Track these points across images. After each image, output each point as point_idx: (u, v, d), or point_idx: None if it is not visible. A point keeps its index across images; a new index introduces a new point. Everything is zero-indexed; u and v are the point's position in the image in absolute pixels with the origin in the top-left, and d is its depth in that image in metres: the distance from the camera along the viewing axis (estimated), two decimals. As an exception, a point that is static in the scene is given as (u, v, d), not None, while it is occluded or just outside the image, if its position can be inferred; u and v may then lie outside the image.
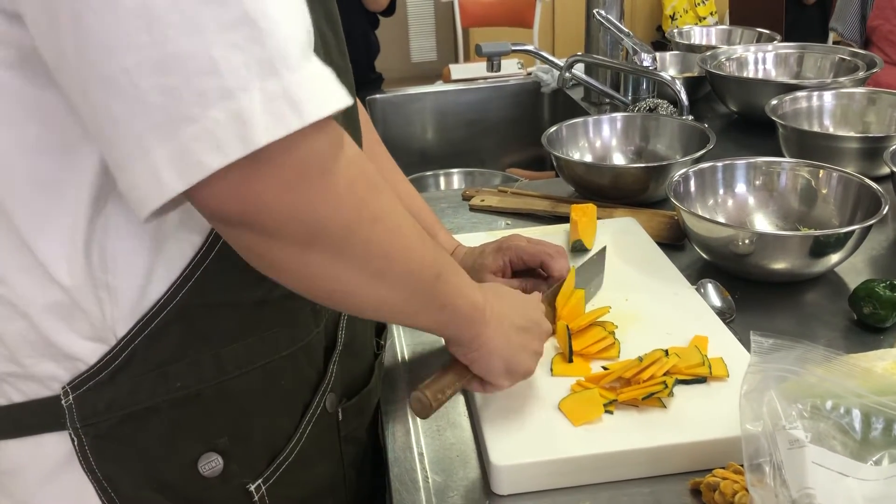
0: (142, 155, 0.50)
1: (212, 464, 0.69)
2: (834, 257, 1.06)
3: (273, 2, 0.50)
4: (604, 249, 1.05)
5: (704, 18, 5.33)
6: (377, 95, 2.12)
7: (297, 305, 0.72)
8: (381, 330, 0.93)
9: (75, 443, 0.65)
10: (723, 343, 0.91)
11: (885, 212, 1.06)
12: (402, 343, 1.01)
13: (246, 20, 0.49)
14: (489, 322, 0.73)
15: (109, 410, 0.65)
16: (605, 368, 0.86)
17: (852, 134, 1.50)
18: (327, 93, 0.52)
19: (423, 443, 0.84)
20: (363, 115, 0.96)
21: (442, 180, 2.02)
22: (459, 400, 0.90)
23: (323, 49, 0.73)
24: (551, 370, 0.87)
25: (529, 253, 0.99)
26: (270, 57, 0.50)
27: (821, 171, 1.19)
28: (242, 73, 0.49)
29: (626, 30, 1.80)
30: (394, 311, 0.67)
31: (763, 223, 1.21)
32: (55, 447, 0.66)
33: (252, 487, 0.72)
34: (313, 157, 0.53)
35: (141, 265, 0.62)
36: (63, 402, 0.65)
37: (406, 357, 0.99)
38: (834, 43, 3.12)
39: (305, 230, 0.55)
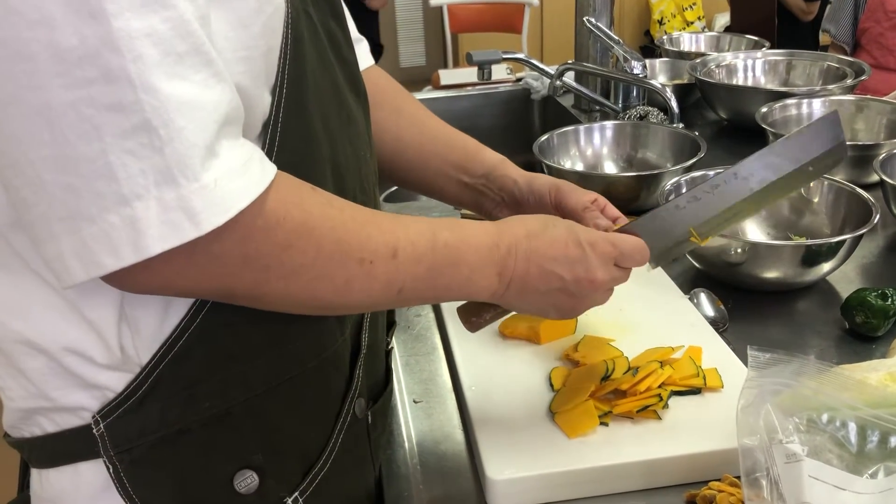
0: (51, 239, 0.53)
1: (247, 480, 0.68)
2: (826, 266, 1.06)
3: (178, 107, 0.51)
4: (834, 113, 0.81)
5: (692, 23, 5.36)
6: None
7: (320, 315, 0.71)
8: (389, 326, 0.93)
9: (111, 470, 0.65)
10: (716, 353, 0.91)
11: (875, 221, 1.06)
12: (397, 356, 1.01)
13: (146, 127, 0.50)
14: (505, 295, 0.72)
15: (141, 436, 0.64)
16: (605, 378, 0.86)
17: (842, 141, 1.50)
18: (230, 196, 0.53)
19: (418, 456, 0.84)
20: (388, 82, 0.96)
21: (433, 187, 2.02)
22: (454, 412, 0.90)
23: (331, 47, 0.72)
24: (551, 385, 0.87)
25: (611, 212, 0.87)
26: (169, 165, 0.51)
27: (812, 180, 1.20)
28: (139, 181, 0.51)
29: (616, 37, 1.80)
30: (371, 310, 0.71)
31: (755, 232, 1.21)
32: (93, 475, 0.65)
33: (289, 501, 0.71)
34: (210, 255, 0.55)
35: None
36: (94, 430, 0.64)
37: (400, 369, 0.98)
38: (823, 45, 3.14)
39: (218, 295, 0.60)
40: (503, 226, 0.72)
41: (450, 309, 0.82)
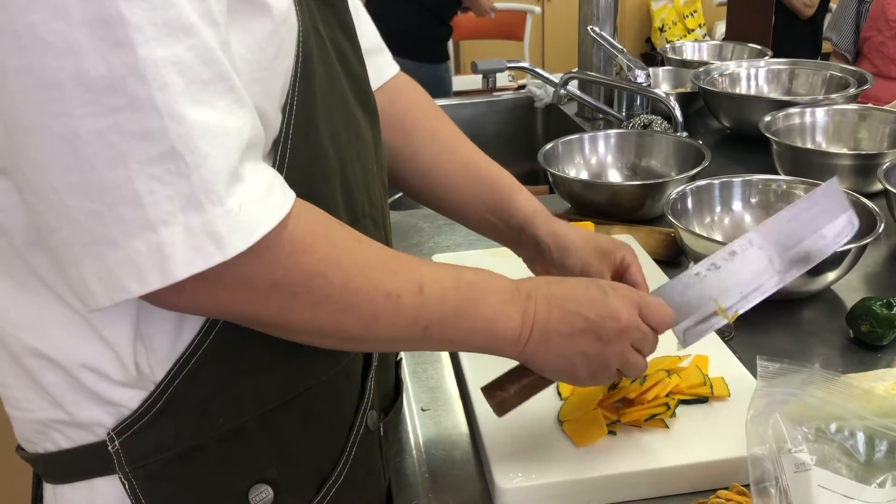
0: (75, 264, 0.53)
1: (262, 494, 0.68)
2: (831, 275, 1.07)
3: (203, 134, 0.51)
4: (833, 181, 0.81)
5: (693, 30, 5.38)
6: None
7: None
8: None
9: (126, 486, 0.65)
10: (723, 362, 0.92)
11: (880, 230, 1.07)
12: (404, 365, 1.01)
13: (172, 154, 0.51)
14: (529, 343, 0.69)
15: (157, 452, 0.65)
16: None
17: (845, 151, 1.51)
18: (255, 220, 0.54)
19: (426, 465, 0.84)
20: (420, 97, 0.94)
21: (436, 195, 2.02)
22: (462, 420, 0.90)
23: (340, 62, 0.73)
24: (559, 393, 0.87)
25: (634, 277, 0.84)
26: (194, 192, 0.51)
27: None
28: (165, 207, 0.51)
29: (620, 46, 1.81)
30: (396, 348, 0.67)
31: (759, 240, 1.22)
32: (108, 491, 0.65)
33: None
34: (238, 278, 0.56)
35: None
36: (109, 447, 0.64)
37: (408, 378, 0.99)
38: (824, 54, 3.14)
39: (244, 320, 0.61)
40: (520, 279, 0.72)
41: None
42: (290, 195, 0.58)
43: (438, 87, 3.36)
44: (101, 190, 0.51)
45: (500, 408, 0.75)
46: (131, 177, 0.50)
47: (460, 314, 0.66)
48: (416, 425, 0.90)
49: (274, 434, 0.68)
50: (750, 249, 0.76)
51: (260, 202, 0.55)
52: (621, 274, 0.84)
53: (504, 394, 0.74)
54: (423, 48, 3.29)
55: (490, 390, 0.75)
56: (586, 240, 0.86)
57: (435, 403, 0.94)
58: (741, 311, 0.77)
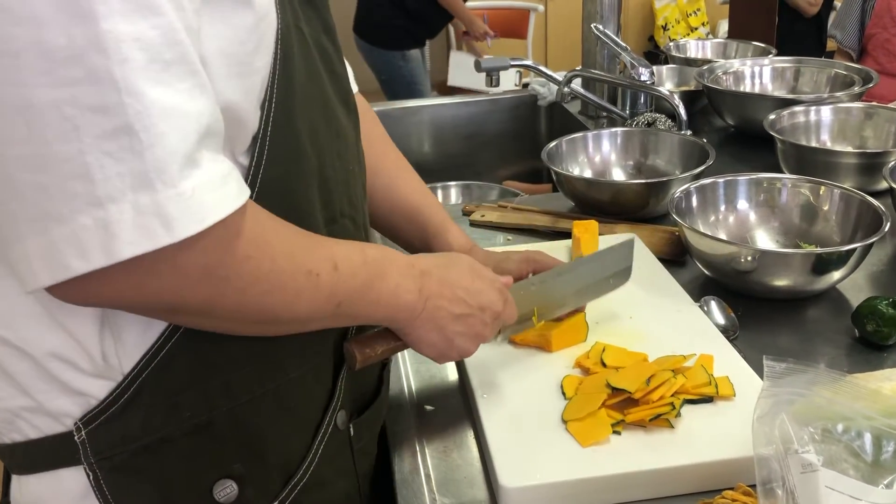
0: (18, 240, 0.52)
1: (227, 490, 0.68)
2: (836, 274, 1.06)
3: (161, 113, 0.50)
4: (631, 241, 1.02)
5: (696, 29, 5.37)
6: (374, 109, 2.12)
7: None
8: None
9: (90, 477, 0.65)
10: (728, 361, 0.91)
11: (885, 229, 1.06)
12: (407, 363, 1.01)
13: (127, 130, 0.50)
14: (420, 317, 0.75)
15: (123, 443, 0.65)
16: (613, 389, 0.86)
17: (850, 149, 1.51)
18: (207, 206, 0.53)
19: (430, 465, 0.84)
20: (368, 122, 0.95)
21: (440, 193, 2.02)
22: (466, 421, 0.90)
23: (323, 61, 0.73)
24: (563, 393, 0.87)
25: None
26: (147, 170, 0.50)
27: (822, 188, 1.20)
28: (116, 184, 0.50)
29: (623, 44, 1.81)
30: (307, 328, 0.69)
31: (764, 239, 1.21)
32: (73, 482, 0.66)
33: None
34: (175, 265, 0.54)
35: None
36: (76, 437, 0.64)
37: (411, 376, 0.98)
38: (829, 52, 3.13)
39: (168, 309, 0.59)
40: (413, 255, 0.78)
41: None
42: (246, 190, 0.58)
43: (391, 75, 3.48)
44: (51, 163, 0.50)
45: (361, 364, 0.76)
46: (83, 151, 0.49)
47: (367, 288, 0.69)
48: (420, 425, 0.90)
49: (241, 429, 0.68)
50: (563, 275, 0.94)
51: (214, 189, 0.54)
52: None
53: (371, 353, 0.77)
54: (377, 31, 3.41)
55: (360, 345, 0.76)
56: (494, 263, 0.98)
57: (438, 403, 0.93)
58: (543, 321, 0.93)
